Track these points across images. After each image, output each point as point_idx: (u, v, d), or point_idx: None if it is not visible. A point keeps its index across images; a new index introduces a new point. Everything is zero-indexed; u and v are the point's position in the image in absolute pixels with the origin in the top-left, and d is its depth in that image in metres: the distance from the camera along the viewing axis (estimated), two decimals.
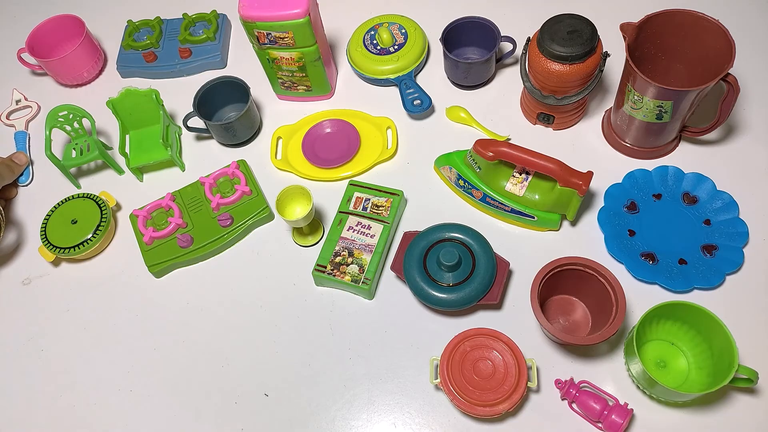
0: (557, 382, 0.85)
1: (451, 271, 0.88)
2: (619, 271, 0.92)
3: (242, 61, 1.23)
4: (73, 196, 1.06)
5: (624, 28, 0.90)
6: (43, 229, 1.03)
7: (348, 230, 0.97)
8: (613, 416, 0.79)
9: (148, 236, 1.01)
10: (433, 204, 1.02)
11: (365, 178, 1.06)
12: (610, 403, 0.81)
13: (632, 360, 0.80)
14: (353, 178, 1.05)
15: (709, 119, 0.97)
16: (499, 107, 1.10)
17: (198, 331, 0.96)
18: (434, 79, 1.15)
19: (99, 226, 1.02)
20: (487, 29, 1.09)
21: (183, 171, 1.12)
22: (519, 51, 1.13)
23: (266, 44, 1.03)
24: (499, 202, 0.96)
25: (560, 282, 0.86)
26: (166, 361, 0.94)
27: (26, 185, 1.14)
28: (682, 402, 0.83)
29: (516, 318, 0.92)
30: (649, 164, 1.01)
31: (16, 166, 1.11)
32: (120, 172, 1.13)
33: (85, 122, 1.13)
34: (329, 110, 1.13)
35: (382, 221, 0.97)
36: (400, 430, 0.86)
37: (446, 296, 0.87)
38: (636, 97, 0.91)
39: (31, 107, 1.23)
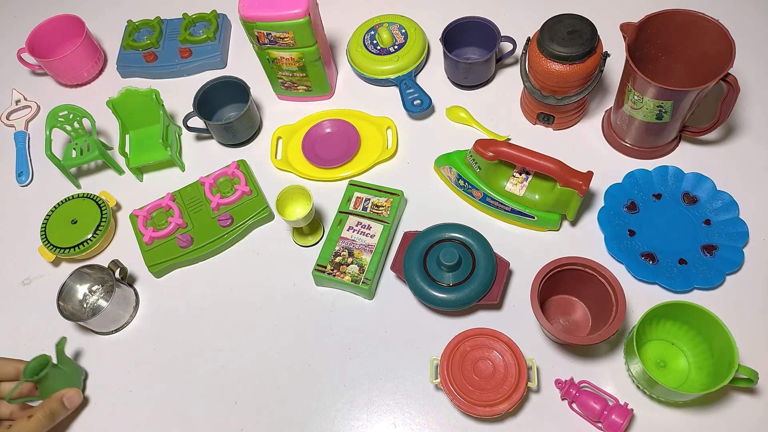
0: (557, 382, 0.85)
1: (451, 271, 0.88)
2: (619, 271, 0.92)
3: (242, 61, 1.23)
4: (73, 196, 1.06)
5: (624, 28, 0.90)
6: (43, 229, 1.03)
7: (348, 230, 0.97)
8: (613, 416, 0.80)
9: (148, 236, 1.01)
10: (433, 204, 1.02)
11: (365, 178, 1.06)
12: (610, 403, 0.81)
13: (632, 360, 0.80)
14: (353, 178, 1.05)
15: (709, 119, 0.97)
16: (499, 107, 1.10)
17: (198, 331, 0.96)
18: (434, 79, 1.15)
19: (99, 226, 1.02)
20: (487, 29, 1.09)
21: (183, 171, 1.12)
22: (519, 51, 1.13)
23: (266, 44, 1.03)
24: (499, 202, 0.96)
25: (560, 282, 0.86)
26: (166, 361, 0.94)
27: (26, 185, 1.14)
28: (682, 402, 0.83)
29: (516, 318, 0.92)
30: (649, 164, 1.01)
31: (63, 411, 0.87)
32: (120, 172, 1.13)
33: (85, 122, 1.13)
34: (329, 110, 1.13)
35: (382, 221, 0.97)
36: (400, 430, 0.86)
37: (446, 296, 0.87)
38: (636, 97, 0.91)
39: (30, 107, 1.23)
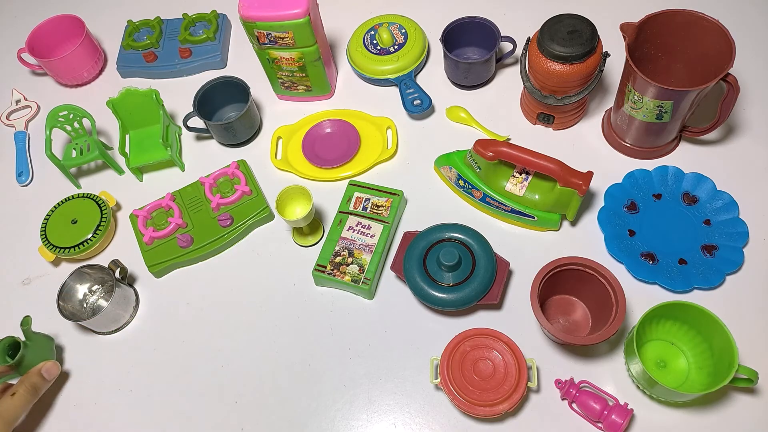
0: (557, 382, 0.85)
1: (451, 271, 0.88)
2: (619, 271, 0.92)
3: (242, 61, 1.23)
4: (73, 196, 1.06)
5: (624, 28, 0.90)
6: (43, 229, 1.03)
7: (348, 230, 0.97)
8: (613, 416, 0.80)
9: (148, 236, 1.01)
10: (433, 204, 1.02)
11: (365, 178, 1.06)
12: (610, 403, 0.81)
13: (632, 360, 0.80)
14: (353, 178, 1.05)
15: (709, 119, 0.97)
16: (499, 107, 1.10)
17: (198, 331, 0.96)
18: (434, 79, 1.15)
19: (99, 226, 1.02)
20: (487, 29, 1.09)
21: (183, 171, 1.12)
22: (519, 51, 1.13)
23: (266, 44, 1.03)
24: (499, 202, 0.96)
25: (560, 282, 0.86)
26: (166, 361, 0.94)
27: (26, 185, 1.14)
28: (682, 402, 0.83)
29: (516, 318, 0.92)
30: (649, 164, 1.01)
31: (43, 383, 0.89)
32: (120, 172, 1.13)
33: (86, 122, 1.13)
34: (329, 110, 1.13)
35: (382, 221, 0.97)
36: (400, 430, 0.86)
37: (446, 296, 0.87)
38: (636, 97, 0.91)
39: (30, 107, 1.23)
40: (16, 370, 0.88)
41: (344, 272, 0.94)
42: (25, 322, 0.90)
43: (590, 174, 0.88)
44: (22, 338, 0.90)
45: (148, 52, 1.22)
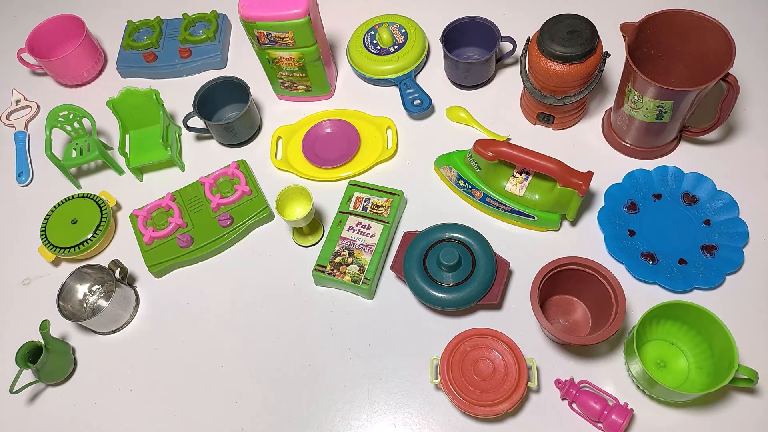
0: (557, 382, 0.85)
1: (451, 271, 0.88)
2: (619, 271, 0.92)
3: (242, 61, 1.23)
4: (73, 196, 1.06)
5: (624, 28, 0.90)
6: (43, 229, 1.03)
7: (348, 230, 0.97)
8: (613, 416, 0.80)
9: (148, 236, 1.01)
10: (433, 204, 1.02)
11: (365, 178, 1.06)
12: (610, 403, 0.81)
13: (632, 360, 0.80)
14: (353, 178, 1.05)
15: (709, 119, 0.97)
16: (499, 107, 1.10)
17: (198, 331, 0.96)
18: (434, 79, 1.15)
19: (99, 226, 1.02)
20: (487, 29, 1.09)
21: (183, 171, 1.12)
22: (519, 51, 1.13)
23: (266, 44, 1.03)
24: (499, 202, 0.96)
25: (560, 282, 0.87)
26: (166, 361, 0.94)
27: (26, 185, 1.14)
28: (682, 402, 0.83)
29: (516, 318, 0.92)
30: (649, 164, 1.01)
31: None
32: (120, 172, 1.13)
33: (86, 122, 1.13)
34: (329, 110, 1.13)
35: (382, 221, 0.97)
36: (400, 430, 0.86)
37: (446, 296, 0.87)
38: (636, 97, 0.91)
39: (30, 107, 1.23)
40: (37, 374, 0.89)
41: (344, 272, 0.94)
42: (44, 326, 0.90)
43: (590, 174, 0.88)
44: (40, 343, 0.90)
45: (148, 52, 1.22)
